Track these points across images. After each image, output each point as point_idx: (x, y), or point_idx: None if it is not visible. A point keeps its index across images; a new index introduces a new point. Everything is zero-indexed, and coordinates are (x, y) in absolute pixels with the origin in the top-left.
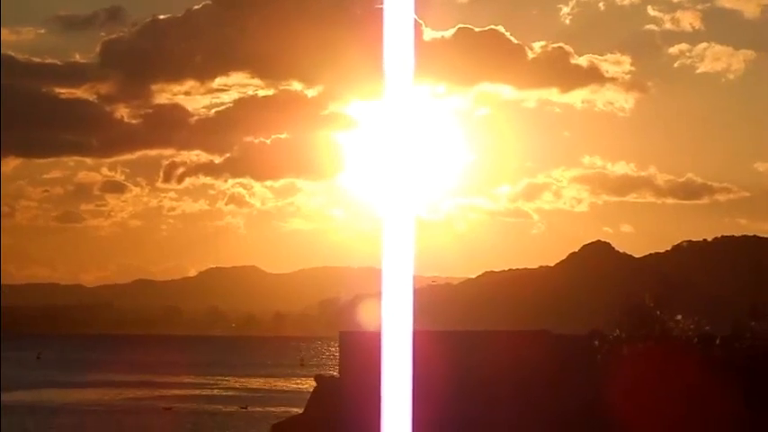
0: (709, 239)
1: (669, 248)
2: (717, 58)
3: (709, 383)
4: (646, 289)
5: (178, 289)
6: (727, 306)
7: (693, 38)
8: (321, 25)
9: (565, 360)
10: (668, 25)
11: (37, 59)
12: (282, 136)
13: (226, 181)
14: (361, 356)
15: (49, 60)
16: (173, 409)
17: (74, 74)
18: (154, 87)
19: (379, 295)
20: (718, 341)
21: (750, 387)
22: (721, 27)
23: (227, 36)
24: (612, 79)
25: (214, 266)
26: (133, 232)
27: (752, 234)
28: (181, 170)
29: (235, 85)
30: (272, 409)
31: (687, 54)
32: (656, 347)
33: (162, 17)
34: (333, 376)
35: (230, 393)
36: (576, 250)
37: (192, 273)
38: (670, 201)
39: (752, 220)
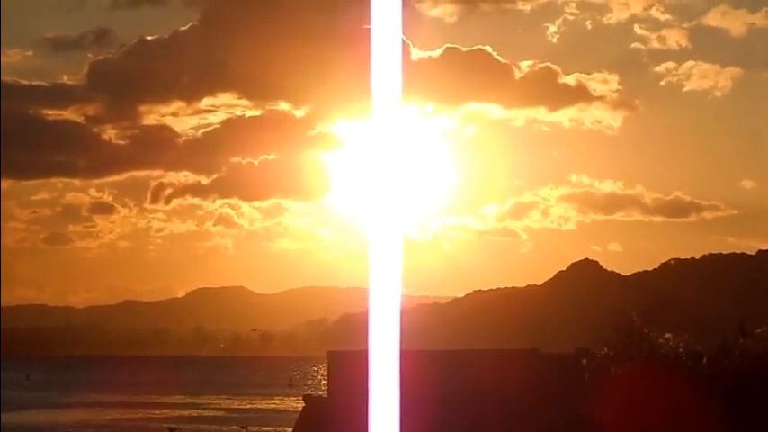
0: (697, 257)
1: (657, 266)
2: (703, 76)
3: (698, 402)
4: (634, 307)
5: (166, 310)
6: (715, 323)
7: (680, 56)
8: (308, 45)
9: (553, 379)
10: (655, 44)
11: (24, 81)
12: (270, 157)
13: (214, 202)
14: (349, 376)
15: (36, 82)
16: (177, 430)
17: (61, 95)
18: (141, 108)
19: (366, 315)
20: (705, 359)
21: (738, 405)
22: (708, 45)
23: (214, 57)
24: (600, 98)
25: (202, 287)
26: (121, 253)
27: (740, 252)
28: (169, 191)
29: (222, 106)
30: (267, 428)
31: (674, 72)
32: (645, 366)
33: (149, 38)
34: (321, 396)
35: (225, 414)
36: (564, 269)
37: (180, 293)
38: (657, 219)
39: (739, 237)
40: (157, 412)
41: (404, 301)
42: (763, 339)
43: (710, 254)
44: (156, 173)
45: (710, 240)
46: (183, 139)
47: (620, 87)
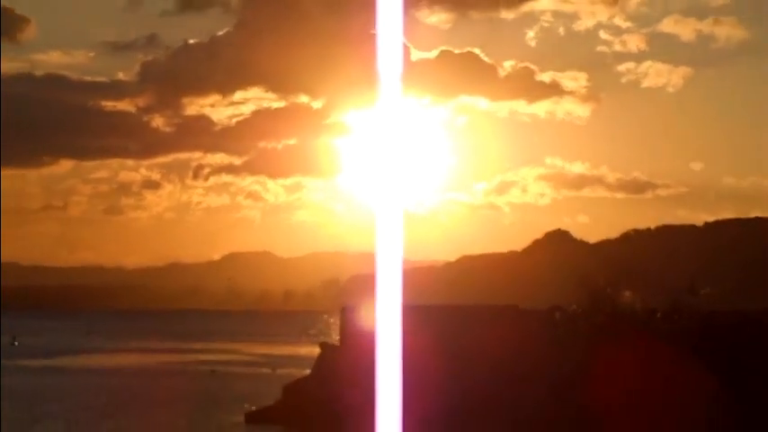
0: (653, 228)
1: (618, 236)
2: (659, 75)
3: (653, 349)
4: (598, 270)
5: (204, 270)
6: (668, 285)
7: (639, 57)
8: (324, 47)
9: (530, 330)
10: (617, 47)
11: (87, 78)
12: (291, 141)
13: (244, 179)
14: (358, 327)
15: (96, 78)
16: (216, 372)
17: (117, 89)
18: (184, 100)
19: (373, 276)
20: (659, 315)
21: (686, 351)
22: (662, 48)
23: (245, 57)
24: (571, 92)
25: (234, 251)
26: (166, 223)
27: (689, 223)
28: (207, 170)
29: (252, 99)
30: (291, 370)
31: (633, 71)
32: (608, 320)
33: (191, 41)
34: (334, 344)
35: (256, 358)
36: (540, 237)
37: (216, 257)
38: (619, 195)
39: (689, 211)
40: (199, 357)
41: (405, 264)
42: (707, 298)
43: (664, 225)
44: (197, 155)
45: (664, 213)
46: (219, 126)
47: (587, 84)
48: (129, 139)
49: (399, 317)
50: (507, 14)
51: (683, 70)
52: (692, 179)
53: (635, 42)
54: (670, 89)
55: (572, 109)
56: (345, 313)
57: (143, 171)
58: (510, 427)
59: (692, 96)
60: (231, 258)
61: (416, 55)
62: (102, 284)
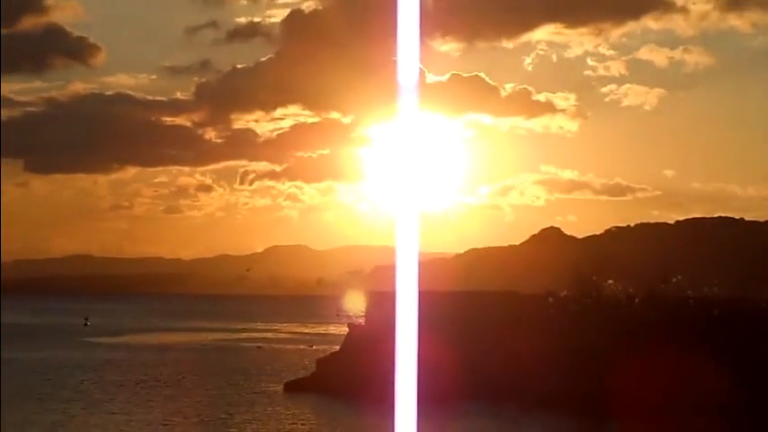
0: (632, 225)
1: (602, 232)
2: (637, 95)
3: (632, 329)
4: (585, 262)
5: (249, 261)
6: (644, 274)
7: (620, 80)
8: (352, 71)
9: (527, 311)
10: (602, 71)
11: (149, 97)
12: (324, 151)
13: (283, 184)
14: (380, 309)
15: (157, 98)
16: (262, 348)
17: (175, 107)
18: (232, 116)
19: (393, 266)
20: (637, 300)
21: (660, 331)
22: (640, 72)
23: (285, 79)
24: (562, 110)
25: (275, 245)
26: (217, 221)
27: (662, 221)
28: (252, 176)
29: (290, 115)
30: (324, 346)
31: (615, 92)
32: (593, 304)
33: (238, 66)
34: (360, 324)
35: (295, 336)
36: (536, 233)
37: (259, 249)
38: (603, 198)
39: (662, 211)
40: (246, 335)
41: (420, 256)
42: (678, 285)
43: (641, 223)
44: (243, 162)
45: (641, 213)
46: (262, 138)
47: (576, 103)
48: (186, 149)
49: (416, 301)
50: (508, 44)
51: (658, 92)
52: (665, 184)
53: (617, 68)
54: (646, 107)
55: (563, 124)
56: (371, 298)
57: (197, 176)
58: (507, 385)
59: (665, 114)
60: (272, 251)
61: (431, 78)
62: (162, 273)
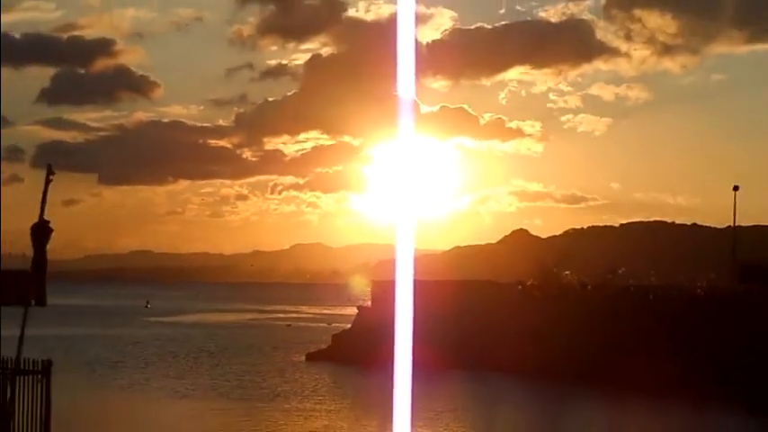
0: (585, 227)
1: (561, 233)
2: (589, 123)
3: (585, 311)
4: (548, 257)
5: (278, 256)
6: (595, 267)
7: (576, 111)
8: (361, 103)
9: (501, 297)
10: (561, 104)
11: (198, 124)
12: (339, 168)
13: (306, 194)
14: (383, 294)
15: (204, 124)
16: (291, 325)
17: (218, 132)
18: (264, 139)
19: (393, 260)
20: (589, 287)
21: (608, 313)
22: (592, 105)
23: (307, 110)
24: (530, 135)
25: (298, 243)
26: (252, 223)
27: (609, 225)
28: (280, 188)
29: (311, 138)
30: (339, 324)
31: (572, 120)
32: (554, 291)
33: (269, 99)
34: (367, 306)
35: (316, 316)
36: (508, 234)
37: (286, 246)
38: (562, 205)
39: (609, 216)
40: (277, 315)
41: (415, 252)
42: (623, 276)
43: (592, 225)
44: (273, 177)
45: (593, 217)
46: (289, 157)
47: (541, 129)
48: (227, 165)
49: (411, 288)
50: (486, 82)
51: (606, 120)
52: (612, 194)
53: (573, 101)
54: (597, 133)
55: (530, 146)
56: (375, 286)
57: (236, 188)
58: (485, 355)
59: (612, 138)
60: (296, 248)
61: (424, 109)
62: (208, 266)
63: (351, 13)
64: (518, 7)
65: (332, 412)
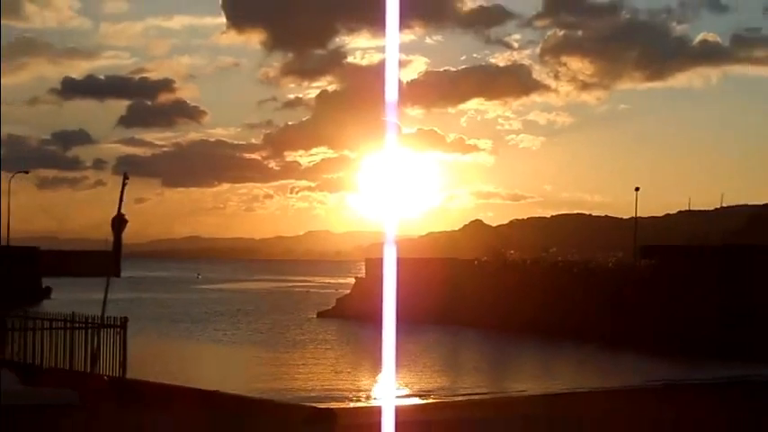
0: (525, 218)
1: (507, 222)
2: (528, 142)
3: (524, 281)
4: (497, 240)
5: (295, 240)
6: (534, 248)
7: (517, 132)
8: (358, 126)
9: (462, 272)
10: (507, 127)
11: (236, 142)
12: (341, 174)
13: (316, 194)
14: (375, 269)
15: (241, 142)
16: (309, 292)
17: (251, 148)
18: (285, 153)
19: (382, 243)
20: (528, 262)
21: (542, 281)
22: (529, 127)
23: (318, 132)
24: (484, 149)
25: (310, 230)
26: (276, 216)
27: (543, 216)
28: (297, 189)
29: (321, 153)
30: (341, 290)
31: (515, 139)
32: (502, 265)
33: (289, 123)
34: (362, 277)
35: (327, 285)
36: (467, 223)
37: (301, 233)
38: (508, 202)
39: (543, 210)
40: (295, 284)
41: (397, 237)
42: (552, 254)
43: (530, 217)
44: (292, 182)
45: (531, 211)
46: (303, 167)
47: (492, 146)
48: (257, 173)
49: (395, 264)
50: (451, 110)
51: (540, 139)
52: (545, 194)
53: (516, 125)
54: (533, 148)
55: (484, 158)
56: (368, 262)
57: (264, 189)
58: (449, 314)
59: (545, 152)
60: (308, 234)
61: (405, 130)
62: (243, 247)
63: (350, 59)
64: (474, 55)
65: (337, 356)
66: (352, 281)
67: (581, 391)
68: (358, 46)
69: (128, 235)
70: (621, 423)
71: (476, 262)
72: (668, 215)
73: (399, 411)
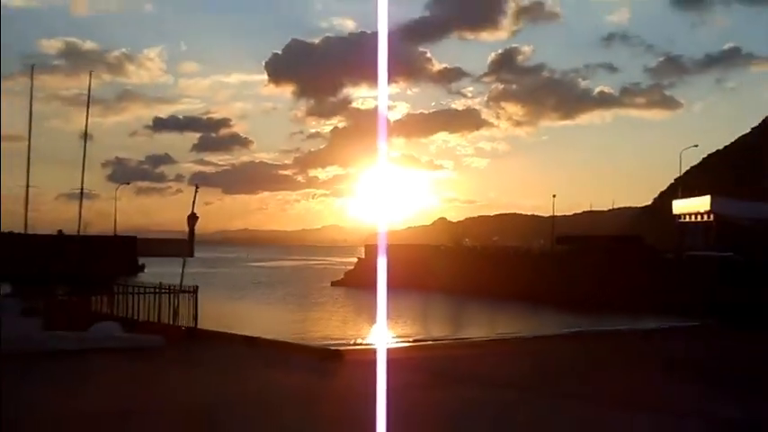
0: (476, 216)
1: (464, 219)
2: (478, 162)
3: (477, 261)
4: (458, 232)
5: (314, 232)
6: (487, 238)
7: (471, 156)
8: (359, 150)
9: (430, 254)
10: (463, 152)
11: (275, 162)
12: (347, 185)
13: (330, 199)
14: (370, 251)
15: (277, 162)
16: (327, 268)
17: (285, 167)
18: (309, 170)
19: (376, 234)
20: (479, 248)
21: (490, 262)
22: (479, 153)
23: (331, 155)
24: (447, 169)
25: (326, 225)
26: (302, 215)
27: (487, 215)
28: (316, 195)
29: (333, 170)
30: (348, 267)
31: (469, 160)
32: (459, 250)
33: (311, 150)
34: (362, 257)
35: (337, 264)
36: (436, 220)
37: (319, 226)
38: (464, 205)
39: (489, 211)
40: (316, 262)
41: (385, 229)
42: (496, 242)
43: (480, 215)
44: (313, 190)
45: (480, 211)
46: (321, 180)
47: (454, 166)
48: (289, 184)
49: (385, 248)
50: (424, 140)
51: (487, 161)
52: (490, 199)
53: (469, 150)
54: (482, 168)
55: (448, 175)
56: (366, 247)
57: (294, 196)
58: (426, 282)
59: (490, 170)
60: (325, 227)
61: (391, 154)
62: (278, 237)
63: (354, 104)
64: (441, 102)
65: (344, 312)
66: (355, 260)
67: (519, 335)
68: (359, 95)
69: (198, 228)
70: (552, 357)
71: (441, 247)
72: (576, 214)
73: (390, 351)
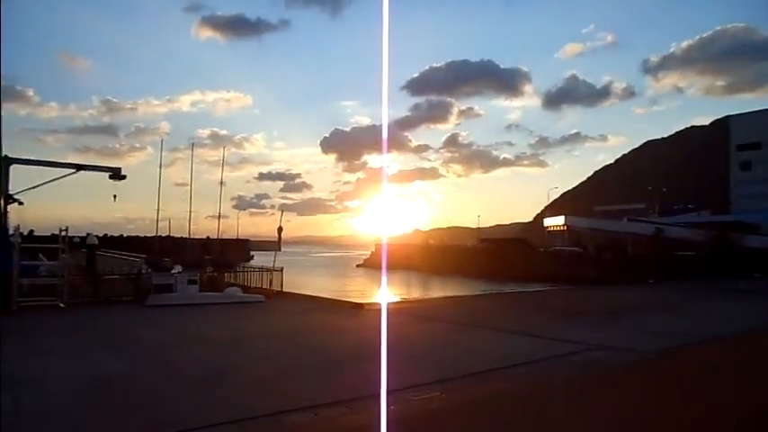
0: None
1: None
2: (438, 197)
3: (439, 252)
4: (426, 237)
5: (346, 237)
6: (440, 240)
7: (434, 193)
8: (372, 191)
9: (412, 249)
10: (430, 192)
11: (324, 198)
12: (359, 202)
13: (353, 218)
14: (378, 248)
15: (326, 198)
16: (354, 257)
17: (330, 200)
18: (345, 203)
19: (381, 238)
20: (439, 245)
21: (445, 253)
22: (439, 191)
23: (358, 192)
24: (420, 201)
25: (353, 233)
26: (340, 227)
27: (443, 227)
28: (349, 217)
29: (357, 202)
30: (366, 257)
31: (433, 197)
32: (428, 247)
33: (346, 191)
34: (374, 250)
35: (360, 255)
36: (413, 230)
37: (348, 234)
38: (443, 223)
39: (443, 224)
40: (346, 255)
41: (387, 236)
42: (448, 243)
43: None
44: (347, 214)
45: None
46: (352, 208)
47: (425, 199)
48: (333, 210)
49: (387, 246)
50: (408, 185)
51: (443, 196)
52: (445, 219)
53: (433, 190)
54: (439, 200)
55: (422, 205)
56: (376, 246)
57: (336, 217)
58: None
59: (443, 202)
60: (351, 234)
61: (390, 171)
62: (327, 241)
63: (369, 165)
64: (416, 163)
65: (363, 281)
66: (369, 253)
67: (459, 295)
68: (372, 160)
69: (283, 235)
70: (476, 307)
71: (417, 245)
72: (491, 226)
73: (388, 305)
